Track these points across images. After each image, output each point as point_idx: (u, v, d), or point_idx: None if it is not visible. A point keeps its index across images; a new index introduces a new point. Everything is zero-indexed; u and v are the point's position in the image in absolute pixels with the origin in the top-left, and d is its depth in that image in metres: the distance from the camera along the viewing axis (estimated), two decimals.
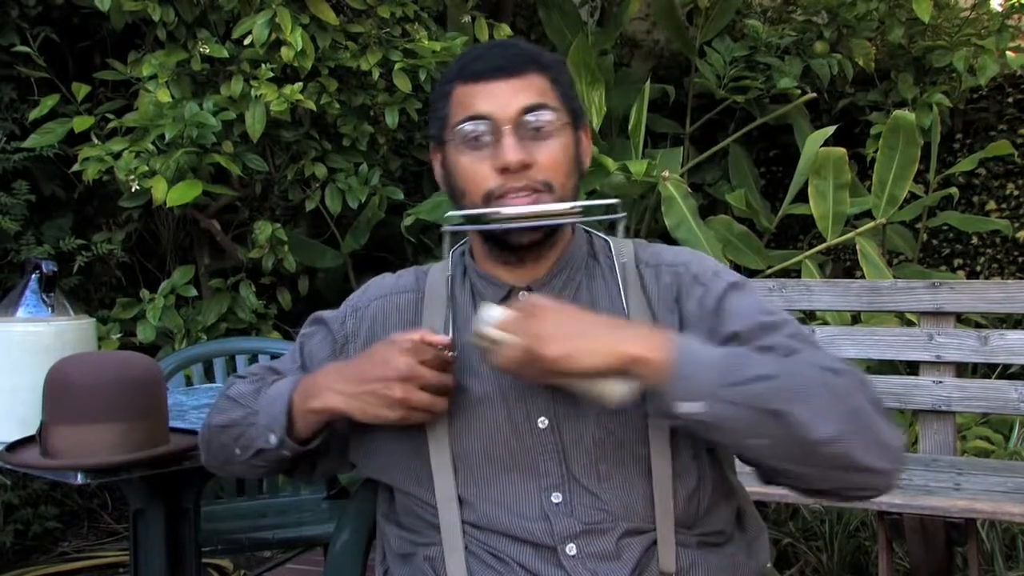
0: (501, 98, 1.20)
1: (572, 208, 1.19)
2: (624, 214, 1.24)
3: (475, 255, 1.30)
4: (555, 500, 1.18)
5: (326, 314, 1.35)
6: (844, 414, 1.04)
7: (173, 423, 1.65)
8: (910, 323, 2.90)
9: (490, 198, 1.20)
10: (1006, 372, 3.33)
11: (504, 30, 3.40)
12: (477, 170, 1.20)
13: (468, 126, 1.20)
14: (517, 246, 1.22)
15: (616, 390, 1.08)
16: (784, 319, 1.20)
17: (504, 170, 1.18)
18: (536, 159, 1.19)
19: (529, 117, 1.20)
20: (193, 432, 1.64)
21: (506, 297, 1.25)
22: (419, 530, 1.24)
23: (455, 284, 1.29)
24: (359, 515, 1.43)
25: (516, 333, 1.08)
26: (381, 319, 1.30)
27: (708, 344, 1.12)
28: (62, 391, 1.51)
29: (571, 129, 1.24)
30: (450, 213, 1.23)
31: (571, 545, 1.16)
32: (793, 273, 3.45)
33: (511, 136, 1.18)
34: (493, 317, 1.10)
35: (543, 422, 1.20)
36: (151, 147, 2.98)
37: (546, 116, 1.20)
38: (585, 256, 1.28)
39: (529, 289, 1.25)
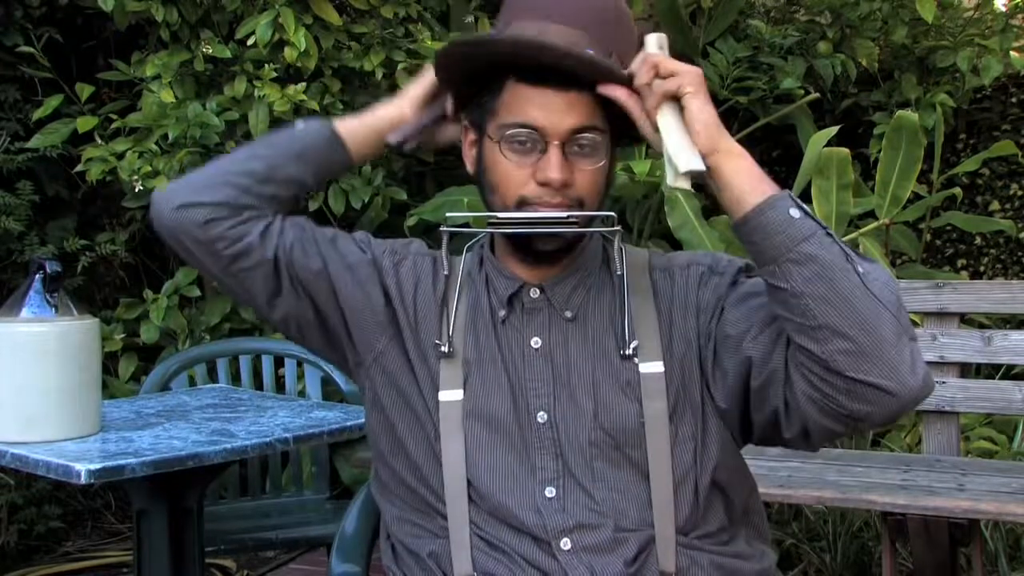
0: (554, 112, 1.18)
1: (568, 217, 1.19)
2: (618, 227, 1.23)
3: (495, 248, 1.31)
4: (548, 495, 1.20)
5: (373, 241, 1.39)
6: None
7: (177, 423, 1.65)
8: (913, 323, 2.89)
9: (523, 203, 1.20)
10: (1010, 373, 3.31)
11: None
12: (517, 175, 1.20)
13: (516, 131, 1.20)
14: (540, 252, 1.23)
15: (691, 159, 1.16)
16: None
17: (545, 183, 1.19)
18: (575, 178, 1.20)
19: (578, 136, 1.19)
20: None
21: (516, 292, 1.26)
22: (424, 524, 1.25)
23: (475, 270, 1.31)
24: (363, 512, 1.44)
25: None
26: (414, 273, 1.33)
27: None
28: None
29: (611, 147, 1.23)
30: (450, 215, 1.25)
31: (565, 539, 1.18)
32: None
33: (557, 152, 1.18)
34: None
35: (542, 417, 1.22)
36: (155, 147, 2.99)
37: (594, 138, 1.20)
38: (600, 263, 1.29)
39: (540, 288, 1.26)
